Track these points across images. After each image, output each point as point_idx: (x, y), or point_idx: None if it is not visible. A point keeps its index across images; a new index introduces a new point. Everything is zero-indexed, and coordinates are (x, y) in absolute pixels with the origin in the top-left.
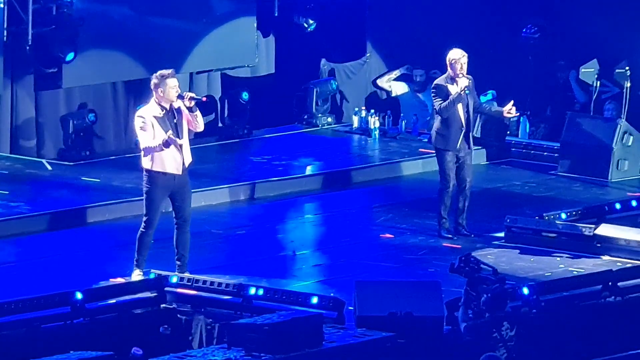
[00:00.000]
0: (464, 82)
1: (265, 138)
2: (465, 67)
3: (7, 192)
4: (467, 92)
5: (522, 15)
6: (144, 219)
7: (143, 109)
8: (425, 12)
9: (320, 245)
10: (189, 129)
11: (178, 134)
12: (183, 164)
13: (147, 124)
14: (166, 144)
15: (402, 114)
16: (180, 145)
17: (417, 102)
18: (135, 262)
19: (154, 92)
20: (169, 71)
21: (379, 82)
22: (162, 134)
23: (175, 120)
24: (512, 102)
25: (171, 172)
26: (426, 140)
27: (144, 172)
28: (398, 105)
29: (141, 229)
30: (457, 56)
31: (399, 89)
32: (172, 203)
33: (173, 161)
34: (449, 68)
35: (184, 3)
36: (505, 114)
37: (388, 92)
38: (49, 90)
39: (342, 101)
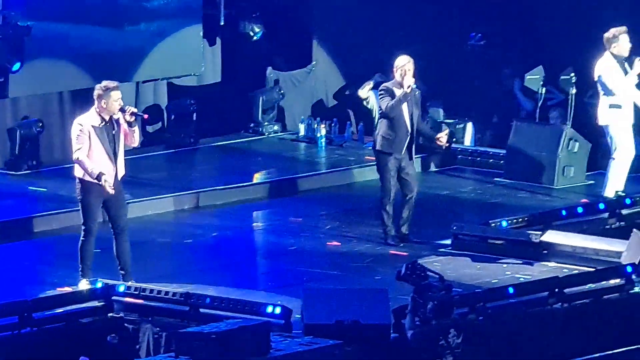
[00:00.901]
0: (408, 80)
1: (211, 147)
2: (409, 72)
3: None
4: (414, 86)
5: (468, 23)
6: (83, 228)
7: (83, 117)
8: (372, 21)
9: (267, 253)
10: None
11: (115, 145)
12: (116, 175)
13: (84, 133)
14: (99, 177)
15: (360, 123)
16: (115, 158)
17: None
18: (80, 272)
19: (96, 102)
20: (114, 83)
21: (360, 93)
22: (99, 146)
23: (113, 132)
24: (447, 130)
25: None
26: (372, 148)
27: (77, 181)
28: (370, 115)
29: (81, 238)
30: (402, 62)
31: (373, 98)
32: (107, 213)
33: (107, 171)
34: (394, 72)
35: (130, 12)
36: (436, 141)
37: (365, 102)
38: None
39: (288, 109)
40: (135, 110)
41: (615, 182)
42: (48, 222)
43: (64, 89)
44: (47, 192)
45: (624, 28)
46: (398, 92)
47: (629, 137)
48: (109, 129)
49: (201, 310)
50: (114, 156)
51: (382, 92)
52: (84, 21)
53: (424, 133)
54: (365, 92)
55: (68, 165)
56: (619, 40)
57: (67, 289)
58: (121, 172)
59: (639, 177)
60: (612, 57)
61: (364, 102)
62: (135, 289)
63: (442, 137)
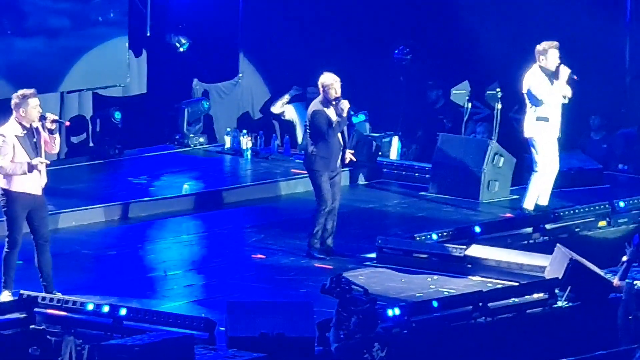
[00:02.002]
0: (346, 104)
1: (136, 158)
2: (339, 90)
3: None
4: (351, 113)
5: (394, 37)
6: (7, 239)
7: (3, 127)
8: (298, 33)
9: (192, 265)
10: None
11: (37, 154)
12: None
13: (7, 143)
14: (30, 169)
15: (286, 136)
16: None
17: None
18: (2, 284)
19: (14, 112)
20: (31, 91)
21: (273, 108)
22: (22, 154)
23: (34, 140)
24: (352, 151)
25: (31, 193)
26: (300, 161)
27: (2, 193)
28: (289, 127)
29: (5, 249)
30: (330, 81)
31: (292, 111)
32: (29, 224)
33: (33, 182)
34: (322, 93)
35: (55, 22)
36: (345, 159)
37: (281, 117)
38: None
39: (214, 121)
40: (56, 117)
41: (535, 196)
42: None
43: None
44: None
45: (555, 43)
46: (328, 111)
47: (554, 151)
48: (30, 138)
49: (124, 322)
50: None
51: (314, 117)
52: (9, 30)
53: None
54: (278, 107)
55: None
56: (548, 54)
57: None
58: (44, 180)
59: (562, 193)
60: (540, 70)
61: (282, 116)
62: (58, 300)
63: (348, 155)
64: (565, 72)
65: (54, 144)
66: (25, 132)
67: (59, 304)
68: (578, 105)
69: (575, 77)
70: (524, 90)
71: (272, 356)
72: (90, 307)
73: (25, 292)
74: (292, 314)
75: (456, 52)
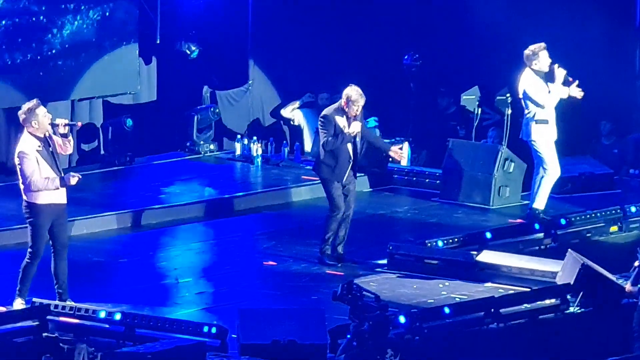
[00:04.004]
0: (356, 126)
1: (147, 165)
2: (361, 109)
3: None
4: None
5: (404, 43)
6: (30, 250)
7: (22, 145)
8: (308, 40)
9: (204, 272)
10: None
11: (56, 162)
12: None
13: (31, 159)
14: (63, 184)
15: (297, 143)
16: (60, 173)
17: None
18: (18, 292)
19: (25, 127)
20: (34, 101)
21: (283, 112)
22: (46, 167)
23: (51, 149)
24: (405, 145)
25: (58, 203)
26: (310, 167)
27: (28, 206)
28: (300, 134)
29: (26, 259)
30: (356, 97)
31: (301, 117)
32: (49, 230)
33: (60, 192)
34: (344, 103)
35: (67, 30)
36: (391, 153)
37: (291, 122)
38: None
39: (225, 128)
40: (66, 120)
41: (546, 197)
42: None
43: None
44: None
45: (542, 44)
46: (339, 119)
47: (554, 154)
48: (47, 148)
49: (137, 330)
50: (59, 172)
51: (322, 122)
52: (20, 39)
53: (375, 142)
54: (288, 112)
55: (2, 184)
56: (539, 56)
57: (1, 309)
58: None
59: (574, 198)
60: (533, 74)
61: (291, 122)
62: (71, 308)
63: (396, 151)
64: (561, 74)
65: (68, 145)
66: (42, 144)
67: (72, 312)
68: (589, 110)
69: (570, 79)
70: (520, 95)
71: None
72: (102, 314)
73: (38, 300)
74: (304, 320)
75: (466, 58)
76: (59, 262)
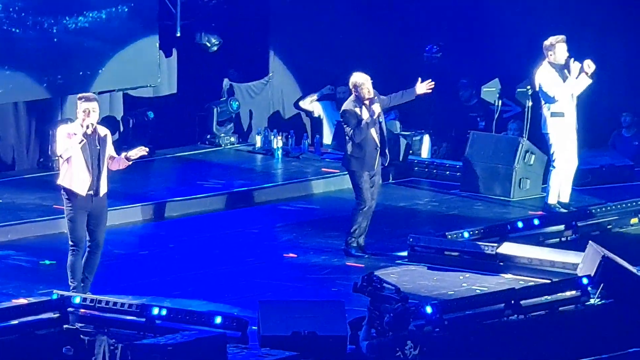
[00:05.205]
0: (377, 107)
1: (167, 158)
2: (371, 89)
3: None
4: (380, 120)
5: (424, 35)
6: (70, 243)
7: (66, 125)
8: (329, 33)
9: (224, 264)
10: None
11: (99, 162)
12: (95, 189)
13: (65, 137)
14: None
15: (317, 135)
16: (94, 170)
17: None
18: (72, 290)
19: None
20: (85, 95)
21: (301, 103)
22: (78, 153)
23: (97, 148)
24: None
25: (77, 192)
26: (329, 160)
27: (63, 192)
28: (320, 126)
29: (70, 255)
30: (361, 81)
31: (320, 109)
32: (86, 226)
33: (80, 182)
34: (354, 92)
35: (86, 23)
36: (418, 91)
37: (310, 114)
38: None
39: (245, 121)
40: (144, 153)
41: (557, 190)
42: (3, 233)
43: (20, 99)
44: (1, 203)
45: (561, 37)
46: (360, 111)
47: (572, 147)
48: (91, 142)
49: (157, 322)
50: (92, 168)
51: (344, 117)
52: (40, 32)
53: (407, 98)
54: (306, 104)
55: (23, 177)
56: (556, 48)
57: (22, 301)
58: (103, 189)
59: (594, 190)
60: (549, 66)
61: (312, 114)
62: (91, 300)
63: (420, 84)
64: (575, 68)
65: (120, 166)
66: (84, 135)
67: (92, 304)
68: (609, 102)
69: (586, 72)
70: (536, 88)
71: (304, 355)
72: (123, 306)
73: (58, 292)
74: (324, 312)
75: (486, 50)
76: (89, 259)
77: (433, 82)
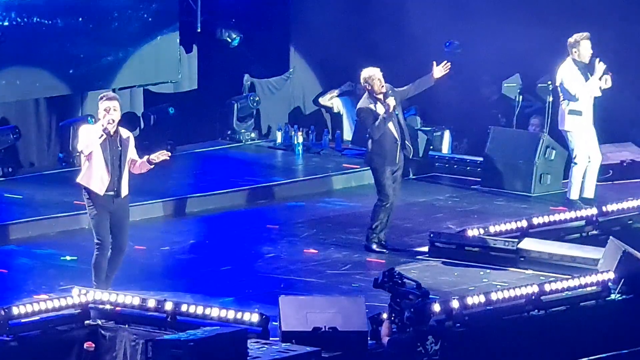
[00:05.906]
0: (392, 100)
1: (188, 154)
2: (383, 81)
3: None
4: (396, 112)
5: (444, 31)
6: (96, 241)
7: (89, 125)
8: (349, 28)
9: (245, 260)
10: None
11: (120, 163)
12: (117, 190)
13: (87, 134)
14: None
15: (337, 131)
16: (114, 170)
17: None
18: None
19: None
20: (105, 93)
21: (321, 100)
22: (98, 150)
23: (119, 149)
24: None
25: (95, 190)
26: (349, 155)
27: (84, 192)
28: (340, 122)
29: (95, 253)
30: (370, 74)
31: (340, 105)
32: (110, 229)
33: (99, 181)
34: (366, 88)
35: (106, 19)
36: (435, 74)
37: (330, 110)
38: None
39: (266, 117)
40: (166, 157)
41: (578, 186)
42: (24, 229)
43: (40, 95)
44: (22, 199)
45: (586, 34)
46: (375, 107)
47: (593, 142)
48: (112, 142)
49: (178, 317)
50: (112, 168)
51: (360, 115)
52: (61, 28)
53: (424, 85)
54: (326, 100)
55: (44, 173)
56: (580, 45)
57: (44, 297)
58: (124, 191)
59: (615, 185)
60: (573, 63)
61: (333, 109)
62: (112, 296)
63: (436, 68)
64: (600, 68)
65: (141, 169)
66: (104, 134)
67: (114, 300)
68: (630, 97)
69: (610, 73)
70: (557, 83)
71: (325, 350)
72: (144, 302)
73: (79, 288)
74: (345, 308)
75: (507, 45)
76: (112, 259)
77: (449, 63)
